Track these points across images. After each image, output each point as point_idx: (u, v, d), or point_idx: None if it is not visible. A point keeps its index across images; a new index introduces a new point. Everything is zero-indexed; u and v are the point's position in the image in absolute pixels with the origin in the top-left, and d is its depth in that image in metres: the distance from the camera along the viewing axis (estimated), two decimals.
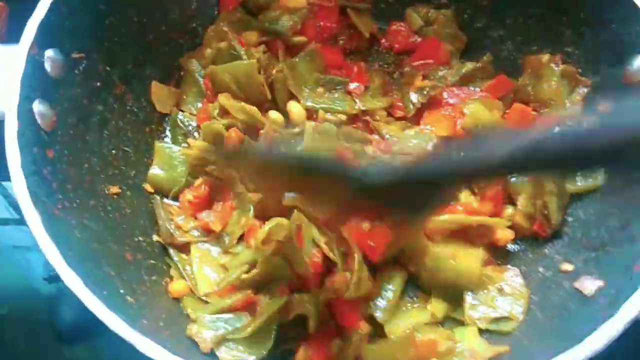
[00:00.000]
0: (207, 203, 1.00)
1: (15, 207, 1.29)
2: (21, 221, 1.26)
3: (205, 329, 0.84)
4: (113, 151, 1.00)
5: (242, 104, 1.01)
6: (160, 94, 1.10)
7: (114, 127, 1.01)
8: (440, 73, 1.12)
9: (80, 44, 0.93)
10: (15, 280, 1.31)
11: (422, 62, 1.15)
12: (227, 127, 1.02)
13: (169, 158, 1.05)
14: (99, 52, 0.97)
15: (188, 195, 1.00)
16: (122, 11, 1.00)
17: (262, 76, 1.05)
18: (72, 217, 0.84)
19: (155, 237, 0.99)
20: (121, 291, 0.82)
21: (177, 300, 0.94)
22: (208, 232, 0.99)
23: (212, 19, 1.16)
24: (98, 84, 0.98)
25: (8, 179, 1.24)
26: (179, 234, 0.98)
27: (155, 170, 1.04)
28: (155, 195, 1.04)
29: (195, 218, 1.00)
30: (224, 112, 1.04)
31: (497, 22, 1.14)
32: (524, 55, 1.12)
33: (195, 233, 0.99)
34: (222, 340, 0.83)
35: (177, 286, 0.93)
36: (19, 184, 0.76)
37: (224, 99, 1.02)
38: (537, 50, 1.10)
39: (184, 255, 0.98)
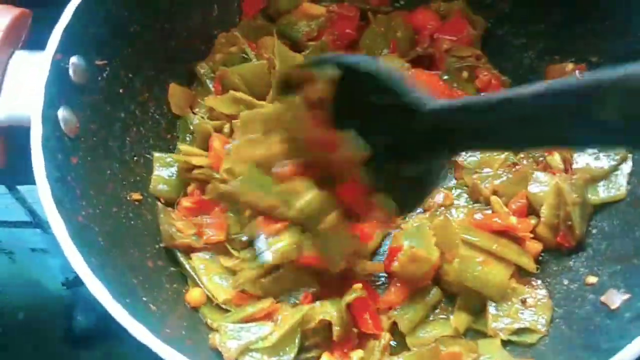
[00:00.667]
0: (204, 208, 1.00)
1: (31, 210, 1.29)
2: (37, 224, 1.27)
3: (229, 338, 0.83)
4: (135, 158, 1.00)
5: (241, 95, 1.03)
6: (176, 95, 1.10)
7: (136, 133, 1.01)
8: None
9: (103, 51, 0.93)
10: (31, 283, 1.31)
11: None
12: (216, 129, 1.03)
13: (168, 167, 1.04)
14: (121, 59, 0.98)
15: (185, 202, 1.00)
16: (145, 18, 1.00)
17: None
18: (95, 224, 0.84)
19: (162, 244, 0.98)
20: (144, 299, 0.82)
21: (196, 309, 0.93)
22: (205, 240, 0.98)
23: (233, 26, 1.17)
24: (120, 90, 0.98)
25: (24, 182, 1.27)
26: (180, 235, 0.96)
27: (155, 181, 1.03)
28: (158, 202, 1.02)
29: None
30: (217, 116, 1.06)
31: (518, 29, 1.13)
32: (547, 63, 1.11)
33: (195, 239, 0.97)
34: (245, 350, 0.83)
35: (194, 295, 0.92)
36: (44, 190, 0.76)
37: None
38: (560, 59, 1.09)
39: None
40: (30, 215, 1.30)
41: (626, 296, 0.83)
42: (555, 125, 0.56)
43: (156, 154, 1.04)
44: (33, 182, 0.77)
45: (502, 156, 1.03)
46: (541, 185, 0.98)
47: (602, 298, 0.86)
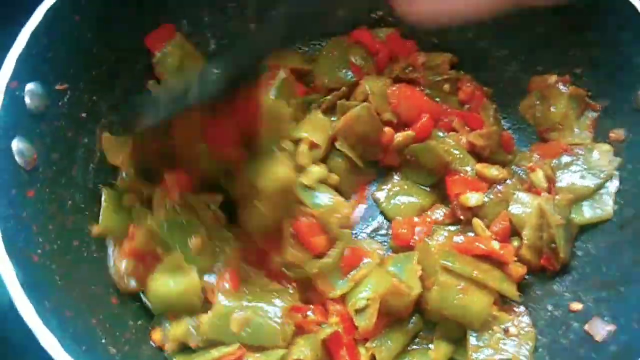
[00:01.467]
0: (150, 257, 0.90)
1: None
2: None
3: None
4: (99, 185, 0.95)
5: None
6: (109, 145, 0.98)
7: (100, 159, 0.96)
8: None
9: (64, 74, 0.89)
10: None
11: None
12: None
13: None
14: (84, 82, 0.93)
15: (125, 244, 0.91)
16: (109, 38, 0.96)
17: None
18: (53, 262, 0.79)
19: None
20: (103, 341, 0.78)
21: (162, 349, 0.88)
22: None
23: None
24: (84, 115, 0.94)
25: None
26: (124, 284, 0.89)
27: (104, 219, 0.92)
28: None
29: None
30: None
31: (501, 41, 1.09)
32: (530, 75, 1.07)
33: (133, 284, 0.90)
34: None
35: (160, 334, 0.87)
36: None
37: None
38: (544, 71, 1.06)
39: None
40: None
41: (611, 327, 0.80)
42: None
43: (105, 189, 0.94)
44: None
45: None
46: (523, 206, 0.94)
47: (587, 327, 0.83)
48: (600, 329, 0.81)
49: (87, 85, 0.94)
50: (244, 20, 1.13)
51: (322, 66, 1.10)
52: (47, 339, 0.66)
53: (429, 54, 1.10)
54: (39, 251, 0.78)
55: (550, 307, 0.91)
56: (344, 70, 1.08)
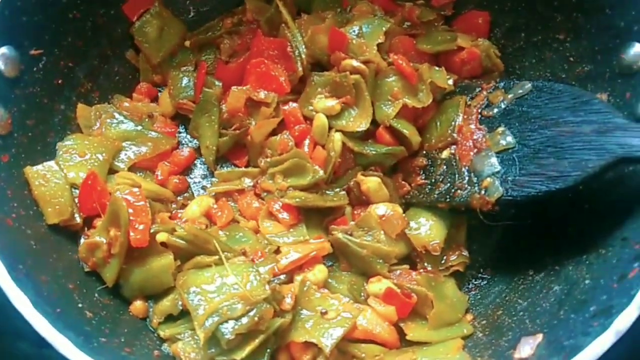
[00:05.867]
0: None
1: None
2: None
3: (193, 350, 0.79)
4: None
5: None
6: (83, 114, 0.97)
7: (78, 126, 0.96)
8: None
9: (39, 39, 0.88)
10: None
11: None
12: None
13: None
14: (60, 48, 0.92)
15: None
16: (86, 3, 0.94)
17: None
18: (28, 227, 0.79)
19: None
20: (79, 305, 0.77)
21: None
22: None
23: None
24: (60, 81, 0.93)
25: None
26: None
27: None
28: None
29: None
30: None
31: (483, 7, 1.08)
32: (514, 42, 1.06)
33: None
34: None
35: (138, 305, 0.85)
36: None
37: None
38: (526, 37, 1.04)
39: None
40: None
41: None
42: None
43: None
44: None
45: None
46: None
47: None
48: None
49: (63, 52, 0.93)
50: None
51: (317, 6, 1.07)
52: (19, 298, 0.65)
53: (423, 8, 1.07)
54: (13, 215, 0.77)
55: None
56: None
